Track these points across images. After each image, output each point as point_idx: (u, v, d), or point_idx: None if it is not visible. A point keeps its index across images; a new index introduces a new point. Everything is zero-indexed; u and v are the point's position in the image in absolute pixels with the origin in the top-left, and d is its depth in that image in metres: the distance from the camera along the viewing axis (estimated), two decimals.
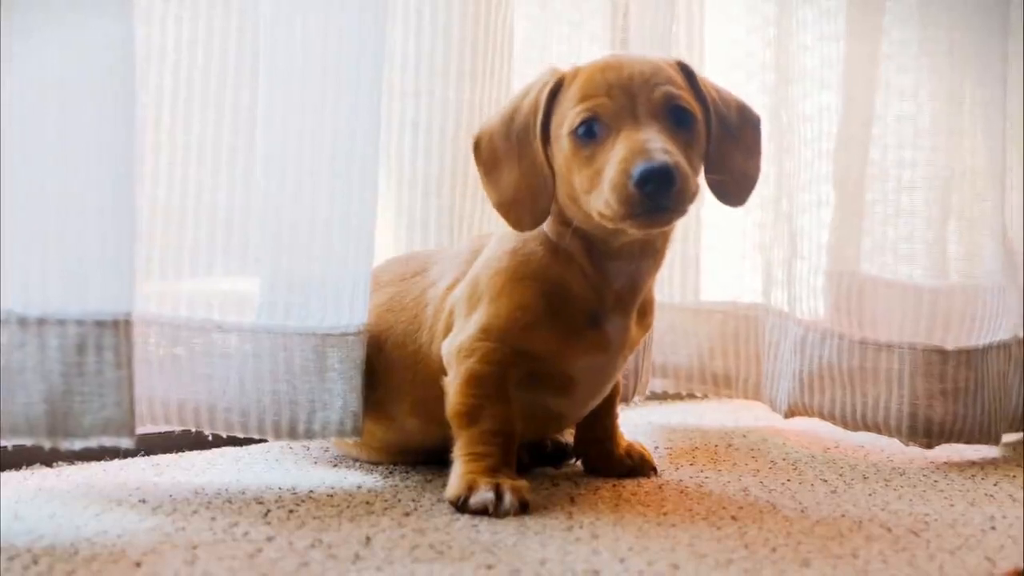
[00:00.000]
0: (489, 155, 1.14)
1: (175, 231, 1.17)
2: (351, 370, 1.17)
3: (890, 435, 1.42)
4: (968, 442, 1.42)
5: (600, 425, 1.26)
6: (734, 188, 1.15)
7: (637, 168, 1.00)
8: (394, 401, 1.20)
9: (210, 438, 1.23)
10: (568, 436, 1.31)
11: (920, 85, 1.45)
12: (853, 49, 1.47)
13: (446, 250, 1.28)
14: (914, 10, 1.45)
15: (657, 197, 1.01)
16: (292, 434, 1.17)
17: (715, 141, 1.12)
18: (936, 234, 1.46)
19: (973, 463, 1.38)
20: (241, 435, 1.18)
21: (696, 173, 1.08)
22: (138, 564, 0.88)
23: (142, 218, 1.16)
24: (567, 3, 1.54)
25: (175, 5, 1.16)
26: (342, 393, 1.17)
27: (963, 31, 1.44)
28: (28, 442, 0.99)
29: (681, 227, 1.59)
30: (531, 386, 1.14)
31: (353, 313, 1.17)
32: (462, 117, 1.40)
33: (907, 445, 1.43)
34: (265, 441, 1.31)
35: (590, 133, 1.06)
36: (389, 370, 1.20)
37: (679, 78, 1.10)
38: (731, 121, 1.14)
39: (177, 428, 1.18)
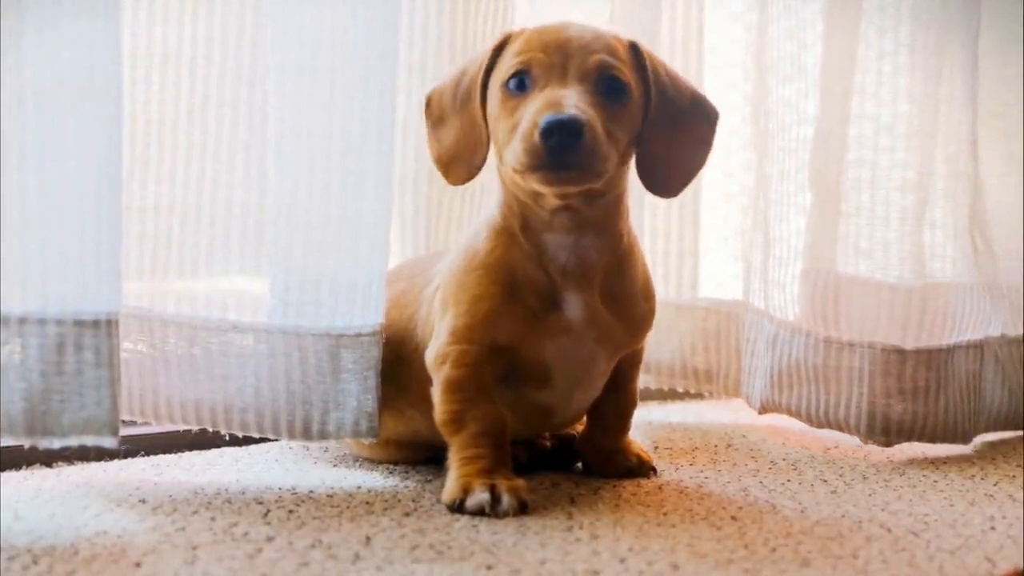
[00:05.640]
0: (437, 112, 1.16)
1: (192, 230, 1.18)
2: (366, 370, 1.17)
3: (850, 433, 1.43)
4: (931, 441, 1.42)
5: (605, 427, 1.25)
6: (664, 175, 1.14)
7: (544, 119, 1.01)
8: (401, 393, 1.20)
9: (214, 434, 1.24)
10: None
11: (897, 86, 1.46)
12: (831, 51, 1.47)
13: (447, 251, 1.29)
14: (893, 11, 1.45)
15: (561, 151, 1.01)
16: (307, 435, 1.17)
17: (653, 124, 1.12)
18: (906, 233, 1.46)
19: (973, 463, 1.38)
20: (257, 435, 1.19)
21: (618, 145, 1.07)
22: (138, 564, 0.88)
23: (161, 218, 1.17)
24: (565, 2, 1.53)
25: (191, 3, 1.16)
26: (356, 394, 1.17)
27: (938, 31, 1.45)
28: (7, 440, 1.00)
29: (664, 224, 1.61)
30: (511, 381, 1.14)
31: (367, 313, 1.17)
32: None
33: (865, 443, 1.44)
34: (267, 441, 1.31)
35: (520, 86, 1.08)
36: (396, 364, 1.20)
37: (623, 52, 1.11)
38: (679, 108, 1.14)
39: (195, 427, 1.19)
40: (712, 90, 1.62)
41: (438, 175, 1.42)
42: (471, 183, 1.43)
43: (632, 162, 1.14)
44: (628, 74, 1.09)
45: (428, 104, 1.17)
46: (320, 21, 1.15)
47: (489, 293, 1.12)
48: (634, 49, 1.13)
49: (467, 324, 1.12)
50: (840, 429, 1.44)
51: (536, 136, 1.01)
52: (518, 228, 1.13)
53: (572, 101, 1.03)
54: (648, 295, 1.20)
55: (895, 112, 1.46)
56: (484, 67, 1.12)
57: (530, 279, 1.12)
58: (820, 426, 1.45)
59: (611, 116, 1.07)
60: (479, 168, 1.14)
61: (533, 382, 1.15)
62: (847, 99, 1.47)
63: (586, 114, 1.02)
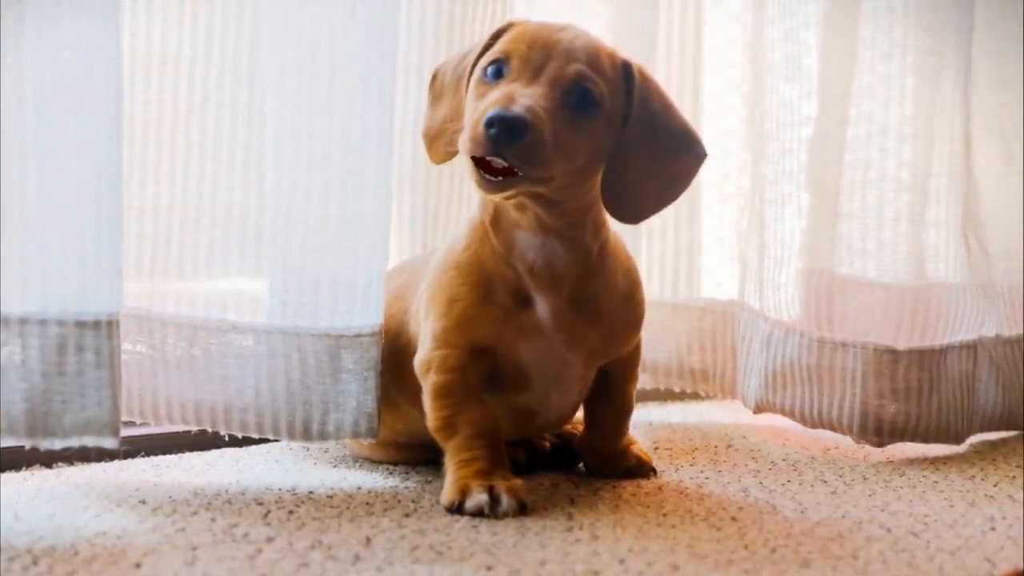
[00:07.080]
0: (439, 88, 1.17)
1: (191, 230, 1.18)
2: (365, 371, 1.17)
3: (843, 433, 1.43)
4: (924, 441, 1.43)
5: (603, 430, 1.25)
6: (631, 201, 1.12)
7: (491, 111, 1.01)
8: (398, 389, 1.20)
9: (215, 435, 1.24)
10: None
11: (893, 88, 1.46)
12: (829, 52, 1.48)
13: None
14: (886, 13, 1.46)
15: (498, 144, 1.00)
16: (306, 435, 1.18)
17: (629, 147, 1.10)
18: (902, 234, 1.46)
19: (973, 464, 1.38)
20: (256, 435, 1.19)
21: (572, 157, 1.06)
22: (138, 565, 0.88)
23: (160, 219, 1.17)
24: (564, 3, 1.53)
25: (190, 3, 1.16)
26: (356, 394, 1.17)
27: (933, 33, 1.45)
28: (8, 441, 1.00)
29: (661, 223, 1.60)
30: (491, 384, 1.14)
31: (366, 313, 1.17)
32: None
33: (858, 443, 1.44)
34: (267, 441, 1.31)
35: (497, 74, 1.07)
36: (393, 358, 1.20)
37: (610, 69, 1.09)
38: (663, 138, 1.12)
39: (195, 428, 1.19)
40: (711, 91, 1.63)
41: (436, 177, 1.43)
42: (470, 184, 1.44)
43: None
44: (605, 91, 1.07)
45: (433, 79, 1.18)
46: (319, 21, 1.15)
47: (462, 294, 1.12)
48: (625, 69, 1.11)
49: (444, 327, 1.12)
50: (833, 429, 1.44)
51: (480, 125, 1.01)
52: (490, 223, 1.13)
53: (526, 101, 1.02)
54: (631, 306, 1.18)
55: (892, 114, 1.46)
56: (479, 51, 1.12)
57: (501, 276, 1.12)
58: (813, 426, 1.46)
59: (574, 128, 1.05)
60: (455, 148, 1.11)
61: (512, 384, 1.15)
62: (845, 101, 1.48)
63: (535, 116, 1.01)
